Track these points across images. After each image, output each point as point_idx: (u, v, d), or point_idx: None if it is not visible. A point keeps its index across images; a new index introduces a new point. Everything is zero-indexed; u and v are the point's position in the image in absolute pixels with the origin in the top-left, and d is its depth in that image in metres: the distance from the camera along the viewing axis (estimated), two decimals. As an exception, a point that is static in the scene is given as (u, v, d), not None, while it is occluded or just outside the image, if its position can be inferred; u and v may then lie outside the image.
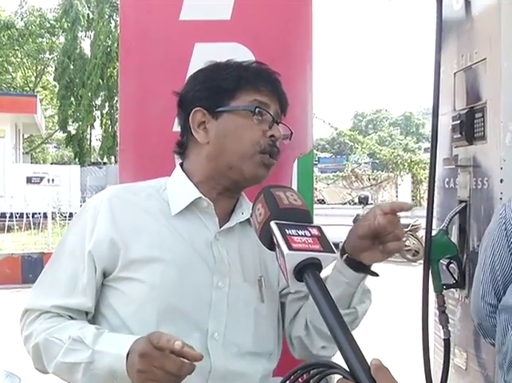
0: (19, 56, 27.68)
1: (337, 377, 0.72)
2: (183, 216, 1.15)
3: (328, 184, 20.61)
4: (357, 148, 21.74)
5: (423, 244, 2.04)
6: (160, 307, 1.08)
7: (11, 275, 8.62)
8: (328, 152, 42.34)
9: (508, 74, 1.73)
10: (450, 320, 1.98)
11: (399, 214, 1.05)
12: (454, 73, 2.07)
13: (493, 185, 1.79)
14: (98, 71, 23.36)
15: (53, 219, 11.11)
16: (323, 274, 0.85)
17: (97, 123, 26.12)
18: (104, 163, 23.45)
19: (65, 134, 26.57)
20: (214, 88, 1.16)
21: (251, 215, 0.97)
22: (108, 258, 1.11)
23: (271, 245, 0.88)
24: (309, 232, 0.85)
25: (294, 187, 1.74)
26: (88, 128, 26.42)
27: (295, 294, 1.24)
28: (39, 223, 11.53)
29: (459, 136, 1.97)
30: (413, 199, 17.61)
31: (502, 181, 1.73)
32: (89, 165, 22.63)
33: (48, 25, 26.81)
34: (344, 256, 1.12)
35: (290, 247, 0.81)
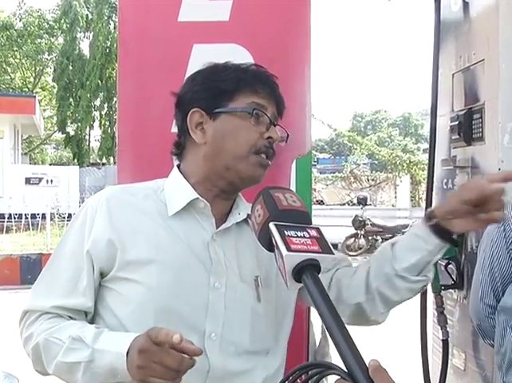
0: (18, 57, 27.69)
1: (336, 377, 0.72)
2: (180, 217, 1.15)
3: (327, 185, 20.64)
4: (356, 148, 21.77)
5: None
6: (157, 308, 1.08)
7: (10, 276, 8.62)
8: (327, 153, 42.38)
9: (506, 75, 1.73)
10: (448, 321, 1.99)
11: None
12: (453, 74, 2.07)
13: (491, 186, 1.79)
14: (97, 72, 23.36)
15: (51, 219, 11.11)
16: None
17: (96, 124, 26.13)
18: (103, 164, 23.44)
19: (64, 135, 26.56)
20: (213, 90, 1.16)
21: (250, 217, 0.97)
22: (105, 259, 1.11)
23: (270, 246, 0.88)
24: (308, 233, 0.85)
25: (293, 188, 1.74)
26: (87, 129, 26.43)
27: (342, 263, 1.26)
28: (38, 224, 11.54)
29: (458, 136, 1.98)
30: (412, 200, 17.64)
31: (500, 182, 1.74)
32: (88, 166, 22.63)
33: (47, 25, 26.84)
34: (433, 221, 1.10)
35: (289, 248, 0.81)
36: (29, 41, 26.59)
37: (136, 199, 1.17)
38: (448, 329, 1.97)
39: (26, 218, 11.56)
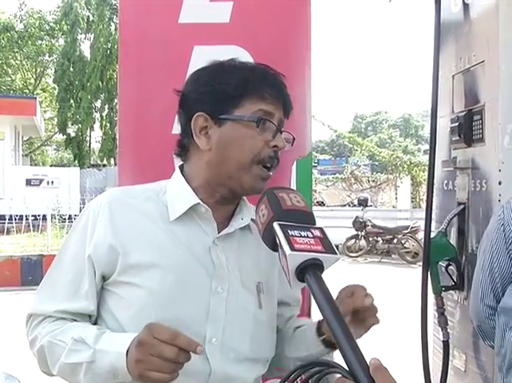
0: (18, 58, 27.73)
1: (337, 376, 0.72)
2: (182, 221, 1.15)
3: (327, 186, 20.62)
4: (357, 150, 21.71)
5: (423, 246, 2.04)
6: (158, 312, 1.07)
7: (10, 277, 8.63)
8: (327, 154, 42.30)
9: (506, 76, 1.73)
10: (449, 322, 1.99)
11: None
12: (453, 76, 2.07)
13: (491, 187, 1.79)
14: (98, 73, 23.39)
15: (52, 221, 11.11)
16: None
17: (97, 125, 26.17)
18: (104, 166, 23.44)
19: (65, 136, 26.61)
20: (218, 94, 1.13)
21: (254, 216, 0.97)
22: (106, 263, 1.11)
23: (274, 245, 0.89)
24: (312, 233, 0.86)
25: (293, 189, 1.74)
26: (88, 131, 26.45)
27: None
28: (38, 225, 11.55)
29: (458, 138, 1.98)
30: (412, 201, 17.62)
31: (500, 183, 1.74)
32: (89, 167, 22.64)
33: (47, 27, 26.87)
34: (322, 336, 1.18)
35: (292, 248, 0.81)
36: (29, 42, 26.63)
37: (138, 202, 1.16)
38: (449, 330, 1.97)
39: (27, 219, 11.57)
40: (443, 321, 1.97)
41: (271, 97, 1.14)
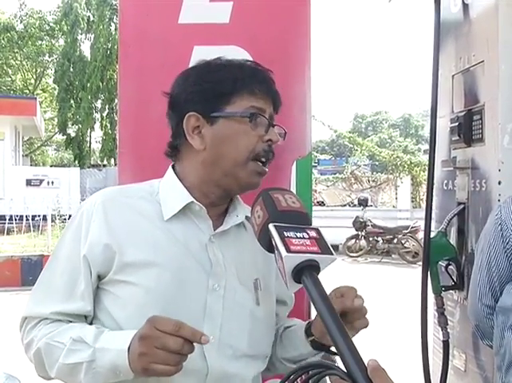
0: (19, 58, 27.73)
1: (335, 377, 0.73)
2: (178, 219, 1.14)
3: (327, 186, 20.61)
4: (357, 149, 21.69)
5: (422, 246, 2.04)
6: (155, 311, 1.06)
7: (11, 278, 8.64)
8: (327, 154, 42.24)
9: (506, 76, 1.73)
10: (449, 322, 1.99)
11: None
12: (453, 76, 2.08)
13: (491, 187, 1.79)
14: (98, 73, 23.41)
15: (52, 221, 11.12)
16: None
17: (97, 125, 26.17)
18: (104, 166, 23.45)
19: (65, 136, 26.62)
20: (209, 92, 1.14)
21: (250, 218, 0.97)
22: (102, 262, 1.10)
23: (270, 247, 0.88)
24: (307, 234, 0.86)
25: (293, 189, 1.74)
26: (88, 131, 26.45)
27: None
28: (39, 226, 11.56)
29: (458, 138, 1.98)
30: (412, 201, 17.61)
31: (500, 183, 1.74)
32: (89, 167, 22.66)
33: (47, 27, 26.88)
34: (311, 338, 1.18)
35: (288, 249, 0.81)
36: (29, 42, 26.64)
37: (133, 201, 1.15)
38: (449, 330, 1.97)
39: (27, 219, 11.59)
40: (442, 321, 1.97)
41: (261, 93, 1.15)
